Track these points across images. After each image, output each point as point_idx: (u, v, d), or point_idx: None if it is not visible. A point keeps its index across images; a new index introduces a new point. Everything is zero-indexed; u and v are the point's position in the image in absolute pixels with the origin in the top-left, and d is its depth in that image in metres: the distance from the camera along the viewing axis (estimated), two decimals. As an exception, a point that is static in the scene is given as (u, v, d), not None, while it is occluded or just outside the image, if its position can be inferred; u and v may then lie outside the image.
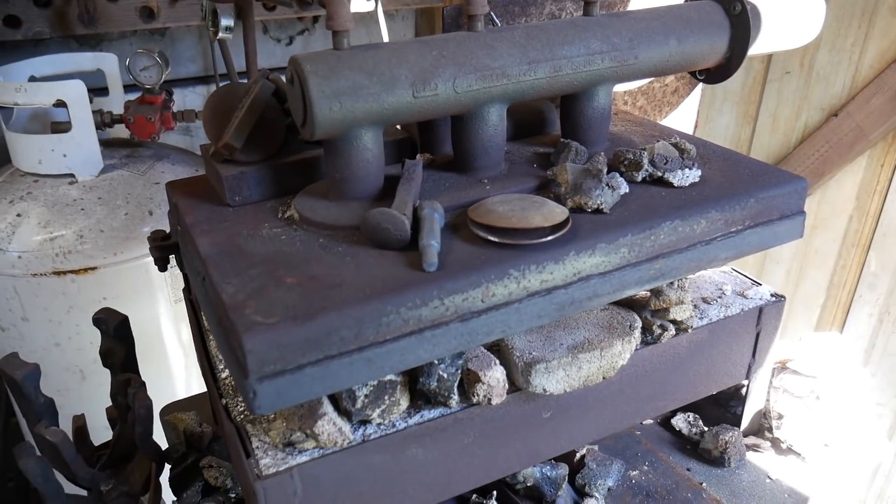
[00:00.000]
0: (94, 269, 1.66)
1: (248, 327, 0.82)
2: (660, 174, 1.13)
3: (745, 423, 1.35)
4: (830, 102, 1.94)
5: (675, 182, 1.13)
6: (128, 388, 1.14)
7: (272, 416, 0.98)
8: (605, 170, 1.08)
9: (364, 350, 0.87)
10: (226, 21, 1.52)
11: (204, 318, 1.24)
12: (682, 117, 1.76)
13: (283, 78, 1.06)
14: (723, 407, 1.45)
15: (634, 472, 1.29)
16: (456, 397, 0.98)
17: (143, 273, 1.74)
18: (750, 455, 1.34)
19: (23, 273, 1.64)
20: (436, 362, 0.98)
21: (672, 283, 1.13)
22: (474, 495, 1.21)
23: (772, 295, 1.28)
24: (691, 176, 1.14)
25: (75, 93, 1.65)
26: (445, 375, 0.98)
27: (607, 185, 1.07)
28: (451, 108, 1.06)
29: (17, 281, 1.65)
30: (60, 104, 1.69)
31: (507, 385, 1.02)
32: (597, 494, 1.20)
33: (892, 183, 1.89)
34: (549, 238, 0.97)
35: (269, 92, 1.13)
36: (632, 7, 1.13)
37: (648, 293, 1.15)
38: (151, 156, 1.88)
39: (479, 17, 1.07)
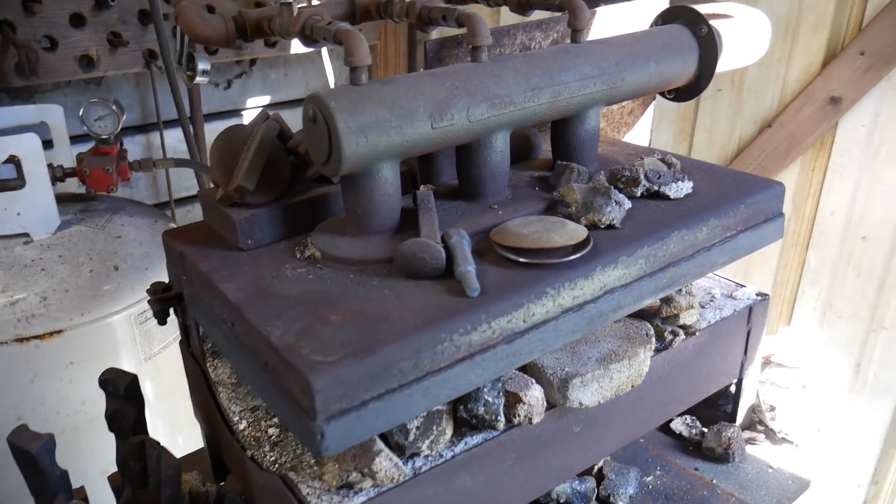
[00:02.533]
0: (59, 332, 1.57)
1: (312, 367, 0.80)
2: (656, 188, 1.19)
3: (739, 418, 1.42)
4: (762, 115, 2.09)
5: (672, 195, 1.19)
6: (142, 450, 1.08)
7: (320, 459, 0.96)
8: (611, 187, 1.13)
9: (421, 380, 0.87)
10: (203, 65, 1.48)
11: (211, 370, 1.20)
12: (637, 137, 1.85)
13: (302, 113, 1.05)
14: (713, 407, 1.52)
15: (649, 478, 1.33)
16: (503, 419, 0.99)
17: (111, 332, 1.65)
18: (749, 448, 1.40)
19: (-19, 342, 1.53)
20: (482, 387, 0.98)
21: (680, 290, 1.19)
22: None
23: (757, 294, 1.36)
24: (685, 188, 1.20)
25: (30, 147, 1.56)
26: (490, 399, 0.99)
27: (615, 201, 1.11)
28: (463, 137, 1.09)
29: (-25, 350, 1.53)
30: (10, 160, 1.60)
31: (545, 403, 1.04)
32: (621, 503, 1.23)
33: (824, 185, 2.05)
34: (577, 256, 1.01)
35: (275, 132, 1.12)
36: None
37: (658, 302, 1.20)
38: (106, 209, 1.80)
39: (483, 49, 1.11)
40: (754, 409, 1.46)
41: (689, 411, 1.50)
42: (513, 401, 1.01)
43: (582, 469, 1.17)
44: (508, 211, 1.14)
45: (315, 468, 0.97)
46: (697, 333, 1.22)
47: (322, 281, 0.99)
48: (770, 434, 1.43)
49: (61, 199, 1.73)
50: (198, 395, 1.25)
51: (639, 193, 1.19)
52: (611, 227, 1.10)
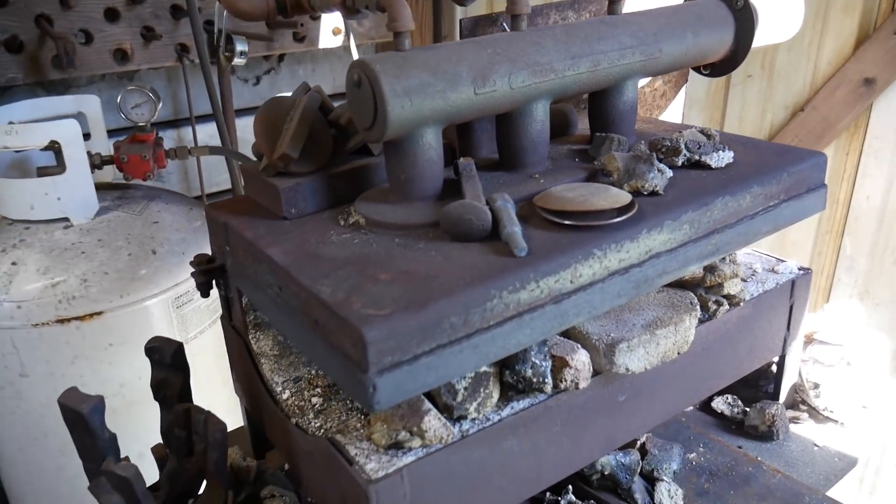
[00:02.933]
0: (99, 313, 1.59)
1: (364, 320, 0.80)
2: (697, 158, 1.18)
3: (782, 396, 1.40)
4: (794, 100, 2.07)
5: (713, 164, 1.18)
6: (188, 417, 1.09)
7: (367, 422, 0.96)
8: (653, 154, 1.13)
9: (471, 337, 0.87)
10: (241, 46, 1.49)
11: (254, 343, 1.20)
12: (669, 119, 1.84)
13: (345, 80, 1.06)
14: (754, 388, 1.50)
15: (692, 455, 1.31)
16: (550, 382, 0.98)
17: (149, 315, 1.67)
18: (792, 427, 1.38)
19: (22, 324, 1.55)
20: (529, 349, 0.98)
21: (724, 258, 1.18)
22: (548, 494, 1.20)
23: (799, 268, 1.35)
24: (726, 157, 1.20)
25: (70, 133, 1.59)
26: (538, 362, 0.98)
27: (657, 168, 1.11)
28: (505, 105, 1.09)
29: (16, 333, 1.55)
30: (51, 147, 1.63)
31: (591, 368, 1.03)
32: (665, 478, 1.21)
33: (859, 169, 2.03)
34: (622, 218, 1.00)
35: (317, 103, 1.13)
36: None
37: (701, 272, 1.19)
38: (143, 196, 1.83)
39: (524, 17, 1.11)
40: (797, 388, 1.44)
41: (728, 390, 1.48)
42: (559, 365, 1.00)
43: (626, 440, 1.16)
44: (549, 180, 1.14)
45: (361, 431, 0.97)
46: (741, 304, 1.20)
47: (368, 245, 1.00)
48: (813, 413, 1.41)
49: (99, 188, 1.75)
50: (239, 367, 1.26)
51: (680, 163, 1.18)
52: (654, 193, 1.09)
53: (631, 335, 1.04)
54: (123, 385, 1.67)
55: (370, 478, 0.88)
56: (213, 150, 1.94)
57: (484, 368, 0.96)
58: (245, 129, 2.55)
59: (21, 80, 1.90)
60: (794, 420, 1.40)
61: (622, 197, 1.02)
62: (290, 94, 1.19)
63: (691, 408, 1.46)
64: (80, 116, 1.81)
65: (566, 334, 1.09)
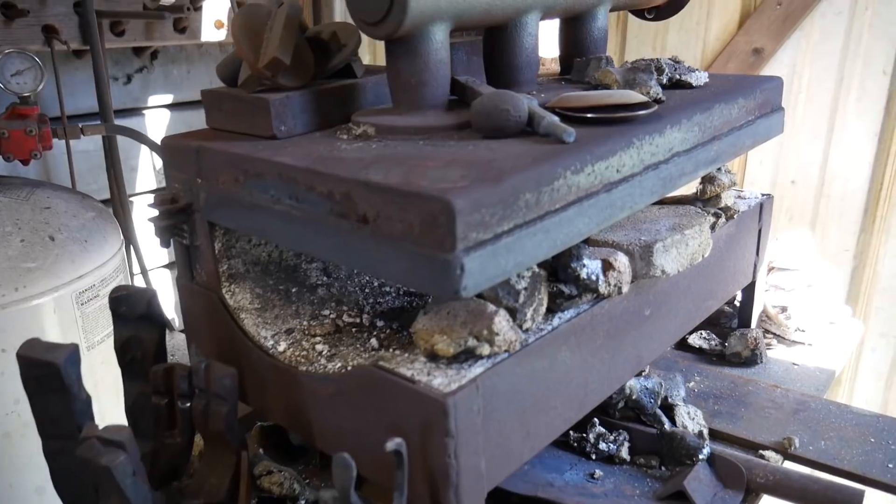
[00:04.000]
0: (-11, 312, 1.30)
1: (446, 191, 0.70)
2: (678, 77, 1.19)
3: (754, 322, 1.43)
4: (687, 76, 2.20)
5: (693, 82, 1.19)
6: (172, 377, 0.89)
7: (408, 343, 0.83)
8: (651, 63, 1.11)
9: (543, 219, 0.79)
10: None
11: (229, 297, 1.03)
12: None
13: None
14: (717, 326, 1.51)
15: (691, 384, 1.29)
16: (602, 280, 0.91)
17: (50, 313, 1.39)
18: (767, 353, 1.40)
19: None
20: (581, 249, 0.90)
21: (720, 168, 1.18)
22: (571, 432, 1.11)
23: (762, 194, 1.39)
24: (703, 77, 1.21)
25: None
26: (588, 262, 0.91)
27: (657, 78, 1.10)
28: (507, 11, 1.03)
29: None
30: None
31: (631, 272, 0.97)
32: (679, 402, 1.17)
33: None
34: (649, 111, 0.97)
35: (299, 11, 1.00)
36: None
37: (698, 186, 1.18)
38: (23, 184, 1.54)
39: (516, -78, 1.06)
40: (762, 317, 1.47)
41: (700, 328, 1.49)
42: (605, 268, 0.94)
43: (650, 359, 1.11)
44: (548, 95, 1.09)
45: (404, 355, 0.84)
46: (736, 217, 1.21)
47: (392, 148, 0.88)
48: (781, 339, 1.44)
49: (-32, 174, 1.46)
50: (207, 330, 1.07)
51: (665, 81, 1.18)
52: (657, 101, 1.07)
53: (663, 236, 1.00)
54: (19, 402, 1.37)
55: (446, 391, 0.75)
56: (112, 129, 1.69)
57: (536, 269, 0.87)
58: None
59: None
60: (767, 347, 1.42)
61: (638, 96, 0.99)
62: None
63: (670, 347, 1.45)
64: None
65: (593, 245, 1.03)
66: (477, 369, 0.79)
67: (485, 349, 0.79)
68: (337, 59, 1.05)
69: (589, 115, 0.95)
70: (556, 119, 0.88)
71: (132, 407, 0.94)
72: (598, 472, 1.03)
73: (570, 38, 1.26)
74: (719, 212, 1.17)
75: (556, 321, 0.91)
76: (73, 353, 0.77)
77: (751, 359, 1.35)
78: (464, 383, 0.77)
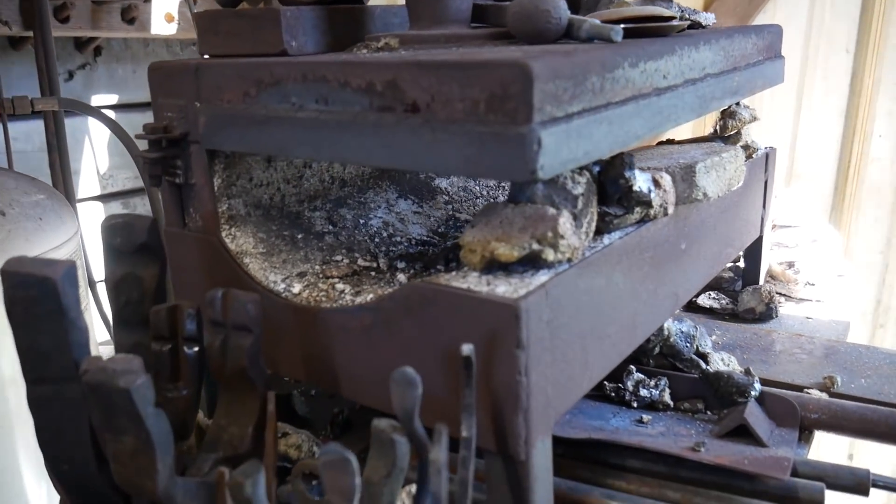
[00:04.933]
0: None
1: (517, 59, 0.62)
2: (687, 16, 1.16)
3: (762, 279, 1.39)
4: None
5: (703, 21, 1.16)
6: (177, 318, 0.77)
7: (454, 263, 0.74)
8: (668, -6, 1.07)
9: (608, 108, 0.72)
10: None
11: (230, 241, 0.91)
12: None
13: None
14: (722, 290, 1.47)
15: (713, 337, 1.23)
16: (656, 193, 0.84)
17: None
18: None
19: None
20: (631, 159, 0.83)
21: (739, 103, 1.14)
22: (607, 384, 1.03)
23: (767, 147, 1.36)
24: (710, 18, 1.18)
25: None
26: (640, 175, 0.84)
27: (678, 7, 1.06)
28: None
29: None
30: None
31: (675, 193, 0.91)
32: (710, 350, 1.11)
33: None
34: (683, 23, 0.92)
35: (305, -78, 0.92)
36: None
37: (718, 122, 1.14)
38: (-36, 163, 1.38)
39: None
40: (767, 277, 1.44)
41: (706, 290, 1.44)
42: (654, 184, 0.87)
43: (685, 299, 1.04)
44: (568, 23, 1.03)
45: (447, 276, 0.74)
46: (755, 156, 1.17)
47: (426, 52, 0.80)
48: (789, 297, 1.41)
49: None
50: (206, 279, 0.94)
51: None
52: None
53: (701, 158, 0.95)
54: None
55: (513, 297, 0.66)
56: (68, 104, 1.54)
57: (588, 178, 0.80)
58: (73, 131, 2.12)
59: None
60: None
61: (669, 11, 0.95)
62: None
63: (678, 310, 1.39)
64: None
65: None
66: (542, 277, 0.71)
67: (549, 254, 0.71)
68: (343, -20, 0.97)
69: (625, 26, 0.90)
70: (597, 21, 0.82)
71: (131, 350, 0.81)
72: (646, 417, 0.95)
73: (574, -20, 1.21)
74: (740, 150, 1.12)
75: (606, 240, 0.83)
76: (70, 268, 0.64)
77: (766, 314, 1.31)
78: (532, 289, 0.68)
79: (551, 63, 0.63)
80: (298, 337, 0.85)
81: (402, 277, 0.87)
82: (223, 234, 0.92)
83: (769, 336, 1.22)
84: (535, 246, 0.70)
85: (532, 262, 0.71)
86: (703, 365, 1.04)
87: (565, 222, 0.72)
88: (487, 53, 0.68)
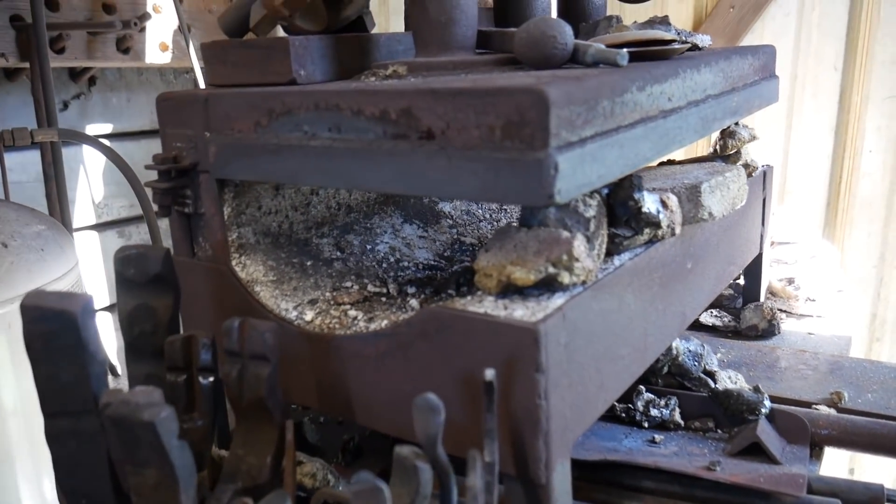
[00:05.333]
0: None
1: (532, 86, 0.63)
2: (684, 38, 1.18)
3: (762, 297, 1.40)
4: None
5: (700, 44, 1.18)
6: (192, 348, 0.77)
7: (466, 287, 0.74)
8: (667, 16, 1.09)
9: (618, 132, 0.73)
10: None
11: (240, 269, 0.91)
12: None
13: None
14: (723, 308, 1.48)
15: (718, 355, 1.24)
16: (665, 214, 0.85)
17: (5, 328, 1.22)
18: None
19: None
20: (640, 181, 0.84)
21: (738, 123, 1.16)
22: (617, 405, 1.03)
23: (764, 165, 1.38)
24: (706, 39, 1.20)
25: None
26: (648, 195, 0.85)
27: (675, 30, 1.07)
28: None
29: None
30: None
31: (682, 214, 0.92)
32: (716, 368, 1.11)
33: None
34: (685, 46, 0.94)
35: (311, -47, 0.93)
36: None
37: (718, 142, 1.16)
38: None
39: None
40: (767, 294, 1.45)
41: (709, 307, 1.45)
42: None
43: (691, 320, 1.05)
44: (569, 48, 1.05)
45: (460, 301, 0.74)
46: (755, 174, 1.19)
47: (435, 78, 0.81)
48: (790, 313, 1.42)
49: None
50: (215, 311, 0.94)
51: (673, 41, 1.16)
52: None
53: (706, 178, 0.96)
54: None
55: (532, 320, 0.67)
56: (67, 135, 1.54)
57: (599, 201, 0.80)
58: (68, 160, 2.11)
59: None
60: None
61: (669, 35, 0.96)
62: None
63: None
64: None
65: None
66: (559, 300, 0.71)
67: (565, 277, 0.71)
68: (349, 10, 0.98)
69: (628, 50, 0.91)
70: (602, 46, 0.84)
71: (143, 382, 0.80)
72: (658, 437, 0.95)
73: (570, 5, 1.23)
74: (741, 168, 1.14)
75: (616, 262, 0.84)
76: (89, 301, 0.64)
77: (768, 330, 1.32)
78: (550, 312, 0.68)
79: (566, 88, 0.64)
80: (312, 364, 0.85)
81: (413, 303, 0.87)
82: (233, 262, 0.92)
83: (773, 353, 1.23)
84: (551, 269, 0.71)
85: (548, 286, 0.72)
86: (712, 383, 1.04)
87: (580, 245, 0.72)
88: (500, 80, 0.69)
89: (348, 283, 0.97)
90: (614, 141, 0.72)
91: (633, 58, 0.90)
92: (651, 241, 0.89)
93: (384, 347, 0.77)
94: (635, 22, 1.15)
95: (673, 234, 0.90)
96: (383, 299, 0.93)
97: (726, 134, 1.16)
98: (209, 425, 0.79)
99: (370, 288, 0.96)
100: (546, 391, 0.67)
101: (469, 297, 0.75)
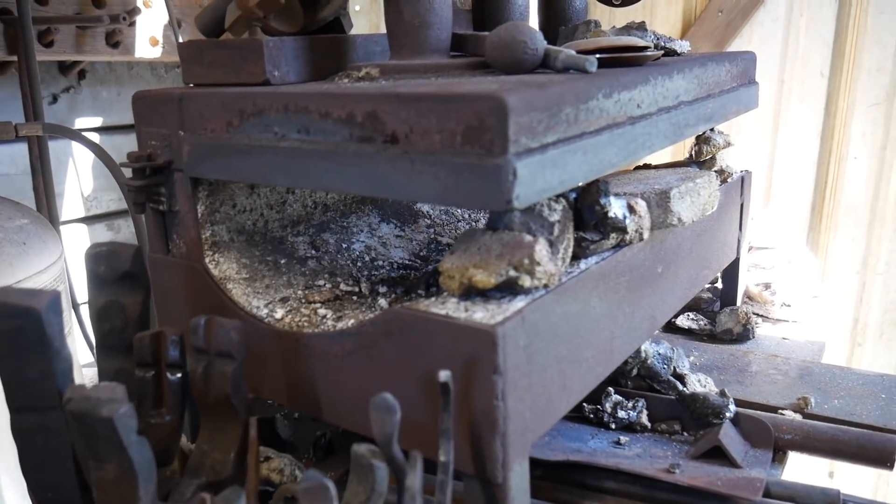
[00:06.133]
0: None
1: (493, 92, 0.64)
2: (662, 44, 1.19)
3: (739, 300, 1.41)
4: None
5: (678, 49, 1.19)
6: (161, 345, 0.78)
7: (432, 290, 0.75)
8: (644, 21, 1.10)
9: (582, 138, 0.74)
10: None
11: (213, 267, 0.92)
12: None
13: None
14: (701, 311, 1.50)
15: (691, 358, 1.25)
16: (631, 220, 0.86)
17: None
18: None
19: None
20: (606, 187, 0.86)
21: (713, 129, 1.17)
22: (585, 405, 1.05)
23: (742, 170, 1.39)
24: (685, 45, 1.21)
25: None
26: (615, 200, 0.86)
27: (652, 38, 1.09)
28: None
29: None
30: None
31: (650, 219, 0.93)
32: (687, 371, 1.13)
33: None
34: (659, 53, 0.95)
35: (288, -46, 0.94)
36: None
37: (693, 148, 1.17)
38: (-53, 187, 1.38)
39: None
40: (744, 298, 1.46)
41: (684, 311, 1.46)
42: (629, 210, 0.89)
43: (662, 322, 1.06)
44: (546, 52, 1.06)
45: (425, 302, 0.75)
46: (730, 180, 1.20)
47: (405, 81, 0.82)
48: (766, 318, 1.43)
49: None
50: (188, 308, 0.95)
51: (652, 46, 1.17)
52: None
53: (676, 184, 0.97)
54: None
55: (490, 322, 0.68)
56: (49, 129, 1.55)
57: (564, 205, 0.82)
58: (57, 153, 2.12)
59: None
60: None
61: (643, 41, 0.97)
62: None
63: (657, 331, 1.41)
64: None
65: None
66: (519, 303, 0.72)
67: (526, 281, 0.72)
68: (326, 12, 0.99)
69: (600, 56, 0.92)
70: (572, 52, 0.85)
71: (114, 377, 0.81)
72: (624, 439, 0.96)
73: (551, 8, 1.24)
74: (715, 174, 1.15)
75: (583, 265, 0.85)
76: (54, 298, 0.65)
77: (742, 334, 1.33)
78: (509, 315, 0.69)
79: (526, 96, 0.65)
80: (281, 362, 0.86)
81: (383, 302, 0.89)
82: (207, 260, 0.93)
83: (746, 357, 1.24)
84: (512, 273, 0.72)
85: (509, 289, 0.73)
86: (680, 386, 1.05)
87: (541, 249, 0.73)
88: (465, 85, 0.70)
89: (321, 282, 0.98)
90: (577, 147, 0.73)
91: (606, 64, 0.91)
92: (619, 246, 0.90)
93: (349, 346, 0.79)
94: (613, 27, 1.16)
95: (641, 238, 0.91)
96: (354, 298, 0.94)
97: (701, 140, 1.17)
98: (177, 420, 0.80)
99: (342, 287, 0.97)
100: (504, 393, 0.68)
101: (434, 299, 0.76)
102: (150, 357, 0.78)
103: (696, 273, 1.19)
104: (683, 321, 1.40)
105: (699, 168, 1.16)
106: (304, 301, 0.92)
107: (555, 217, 0.79)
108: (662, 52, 0.98)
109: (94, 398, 0.60)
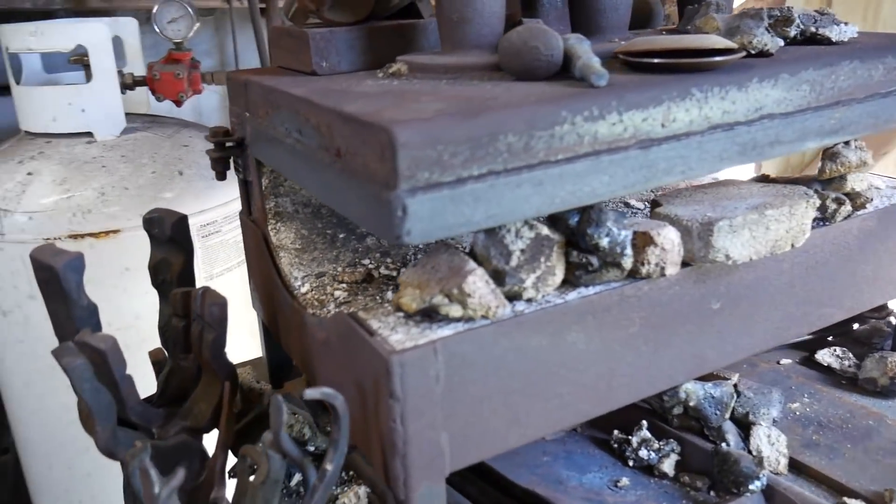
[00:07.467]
0: (116, 231, 1.44)
1: (395, 122, 0.62)
2: (813, 30, 0.97)
3: (906, 347, 1.15)
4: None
5: (833, 37, 0.96)
6: (187, 304, 0.91)
7: (401, 286, 0.76)
8: (763, 9, 0.92)
9: (534, 169, 0.68)
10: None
11: (273, 234, 1.03)
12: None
13: None
14: (865, 345, 1.25)
15: (795, 405, 1.07)
16: (630, 256, 0.77)
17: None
18: (917, 386, 1.12)
19: (33, 237, 1.41)
20: (606, 213, 0.77)
21: (848, 143, 0.95)
22: (615, 431, 0.98)
23: (919, 189, 1.11)
24: (849, 31, 0.98)
25: (98, 37, 1.47)
26: (615, 229, 0.77)
27: (766, 27, 0.90)
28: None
29: (27, 248, 1.41)
30: (80, 60, 1.51)
31: (682, 252, 0.82)
32: (763, 423, 0.97)
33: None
34: (727, 58, 0.80)
35: (358, -58, 0.96)
36: None
37: (819, 162, 0.97)
38: (175, 124, 1.70)
39: None
40: (919, 342, 1.18)
41: (836, 344, 1.24)
42: (642, 243, 0.79)
43: (717, 365, 0.93)
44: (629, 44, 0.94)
45: (389, 307, 0.77)
46: (867, 207, 0.97)
47: (408, 84, 0.81)
48: (942, 370, 1.15)
49: (130, 117, 1.62)
50: (256, 266, 1.08)
51: (792, 34, 0.97)
52: (763, 53, 0.88)
53: (733, 214, 0.83)
54: (139, 317, 1.52)
55: (393, 348, 0.68)
56: (252, 77, 1.79)
57: (547, 232, 0.76)
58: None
59: (59, 3, 1.81)
60: (919, 379, 1.14)
61: (721, 41, 0.82)
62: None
63: (788, 361, 1.22)
64: (116, 41, 1.70)
65: (654, 217, 0.88)
66: (443, 331, 0.71)
67: (454, 310, 0.70)
68: (398, -3, 1.00)
69: (655, 61, 0.81)
70: (595, 61, 0.75)
71: (163, 327, 0.98)
72: (625, 481, 0.89)
73: (686, -15, 1.08)
74: (842, 197, 0.94)
75: (572, 295, 0.78)
76: (73, 259, 0.81)
77: (889, 388, 1.09)
78: (420, 343, 0.69)
79: (434, 129, 0.62)
80: (295, 332, 0.95)
81: (389, 294, 0.91)
82: (269, 227, 1.04)
83: (866, 419, 1.02)
84: (438, 299, 0.71)
85: (436, 314, 0.72)
86: (732, 439, 0.92)
87: (475, 280, 0.70)
88: (405, 108, 0.68)
89: (367, 260, 1.03)
90: (525, 179, 0.67)
91: (665, 69, 0.80)
92: (634, 278, 0.81)
93: (322, 336, 0.84)
94: (723, 10, 0.98)
95: (662, 274, 0.80)
96: (386, 282, 0.98)
97: (827, 155, 0.95)
98: (197, 367, 0.94)
99: (382, 270, 1.01)
100: (402, 417, 0.69)
101: (387, 306, 0.78)
102: (181, 310, 0.92)
103: (806, 311, 0.99)
104: (825, 356, 1.19)
105: (821, 188, 0.95)
106: (335, 279, 0.98)
107: (518, 245, 0.74)
108: (742, 55, 0.82)
109: (66, 350, 0.74)
